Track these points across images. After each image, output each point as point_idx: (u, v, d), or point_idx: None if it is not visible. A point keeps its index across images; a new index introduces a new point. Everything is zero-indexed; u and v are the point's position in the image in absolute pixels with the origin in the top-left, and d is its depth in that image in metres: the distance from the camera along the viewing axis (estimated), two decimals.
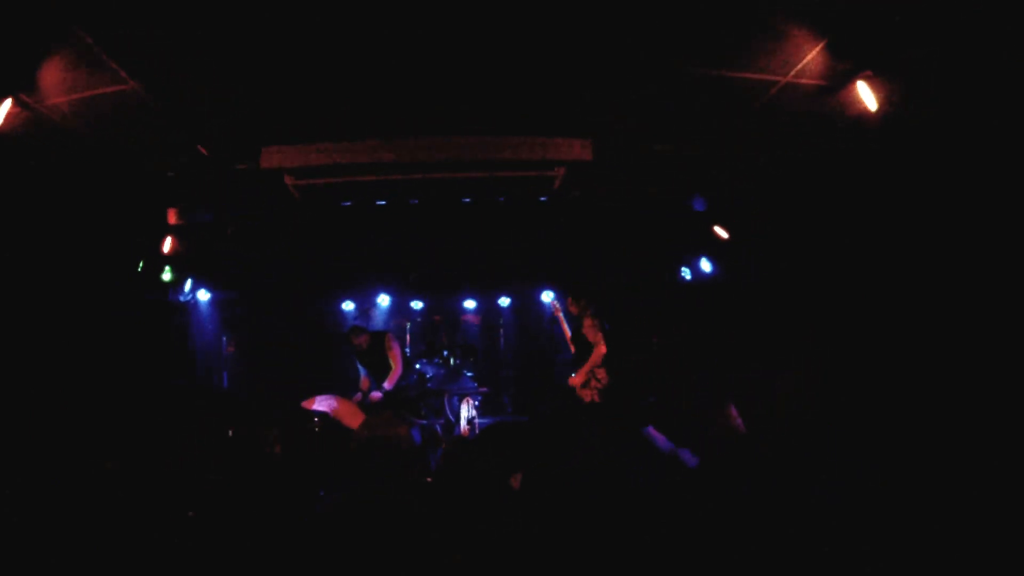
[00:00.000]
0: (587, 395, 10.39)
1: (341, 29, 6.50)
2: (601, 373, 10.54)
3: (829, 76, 7.33)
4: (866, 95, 7.29)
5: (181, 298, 14.22)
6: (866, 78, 7.19)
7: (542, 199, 10.67)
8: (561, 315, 12.05)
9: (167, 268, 12.86)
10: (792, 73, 7.28)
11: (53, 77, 6.91)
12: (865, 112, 7.49)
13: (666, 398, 10.27)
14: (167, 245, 11.89)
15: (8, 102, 6.99)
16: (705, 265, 13.65)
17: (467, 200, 10.80)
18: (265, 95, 7.83)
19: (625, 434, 8.65)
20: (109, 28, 6.19)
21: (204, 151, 8.96)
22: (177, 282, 13.71)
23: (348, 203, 10.62)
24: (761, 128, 8.60)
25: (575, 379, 10.69)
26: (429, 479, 8.35)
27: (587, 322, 10.73)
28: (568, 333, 11.51)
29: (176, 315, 13.91)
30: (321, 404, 10.49)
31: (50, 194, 9.22)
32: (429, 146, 8.69)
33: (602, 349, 10.46)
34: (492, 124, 8.70)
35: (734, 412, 7.63)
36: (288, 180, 9.14)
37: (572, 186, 10.09)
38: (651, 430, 8.63)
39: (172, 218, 11.58)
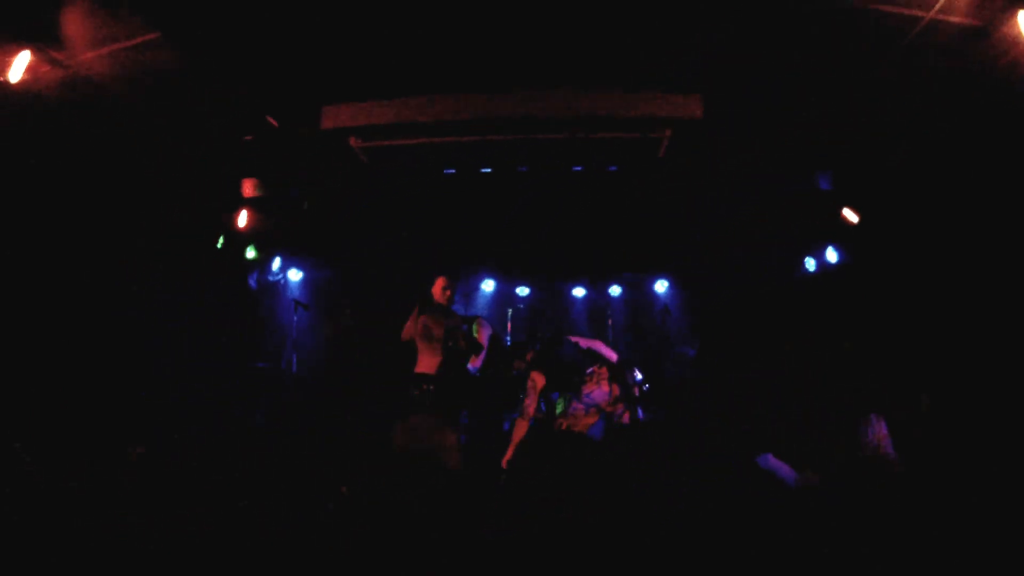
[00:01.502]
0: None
1: None
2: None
3: (981, 11, 6.06)
4: None
5: (270, 278, 13.42)
6: None
7: (651, 171, 9.34)
8: None
9: (251, 246, 11.99)
10: (938, 7, 6.02)
11: (73, 26, 6.20)
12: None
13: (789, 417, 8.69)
14: (243, 219, 10.94)
15: (26, 53, 6.34)
16: (831, 255, 12.10)
17: (578, 168, 9.62)
18: (323, 41, 6.85)
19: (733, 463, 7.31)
20: None
21: (272, 120, 8.07)
22: (264, 260, 12.86)
23: (451, 171, 9.61)
24: (898, 79, 7.23)
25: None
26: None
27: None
28: None
29: (262, 295, 13.11)
30: None
31: (106, 164, 8.50)
32: (506, 102, 7.55)
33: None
34: (586, 77, 7.56)
35: (883, 431, 6.27)
36: (353, 142, 8.07)
37: (681, 153, 8.76)
38: (770, 459, 7.15)
39: (248, 190, 10.68)
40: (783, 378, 10.22)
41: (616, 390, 9.03)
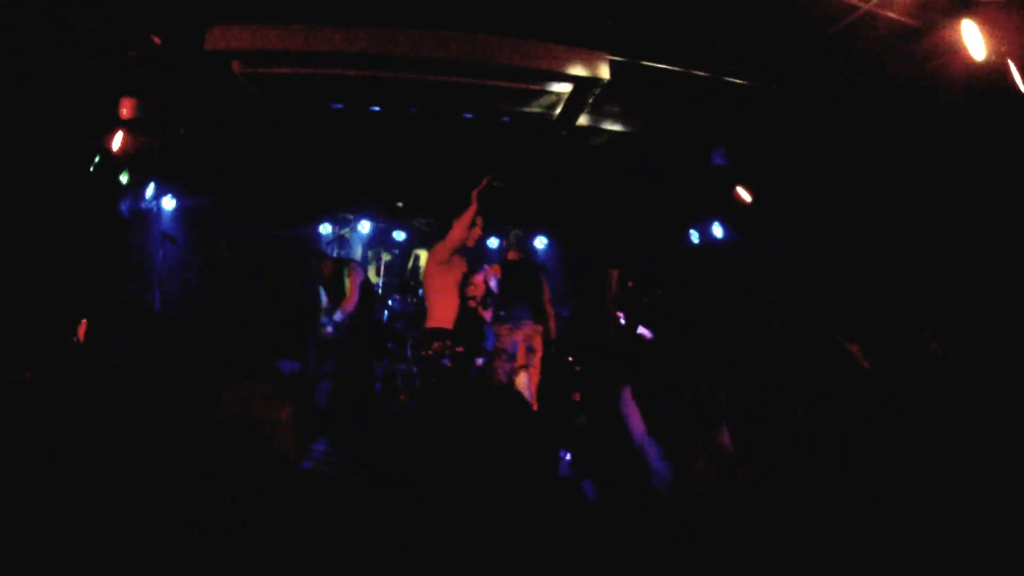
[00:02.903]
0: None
1: None
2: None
3: (921, 11, 5.89)
4: (972, 39, 5.74)
5: (143, 205, 12.85)
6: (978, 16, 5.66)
7: (548, 127, 9.12)
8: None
9: (124, 171, 11.43)
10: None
11: None
12: (953, 62, 6.08)
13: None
14: (117, 141, 10.39)
15: None
16: (717, 230, 12.21)
17: (468, 116, 9.19)
18: None
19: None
20: None
21: (155, 38, 7.62)
22: (137, 186, 12.29)
23: (339, 106, 9.07)
24: (822, 65, 7.05)
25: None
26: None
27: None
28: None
29: (133, 223, 12.53)
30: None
31: None
32: (400, 39, 7.02)
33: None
34: (486, 22, 7.11)
35: (726, 435, 6.02)
36: (236, 67, 7.60)
37: (579, 113, 8.51)
38: (628, 397, 6.72)
39: (125, 111, 10.14)
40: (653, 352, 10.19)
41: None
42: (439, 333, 8.05)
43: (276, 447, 3.84)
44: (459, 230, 8.04)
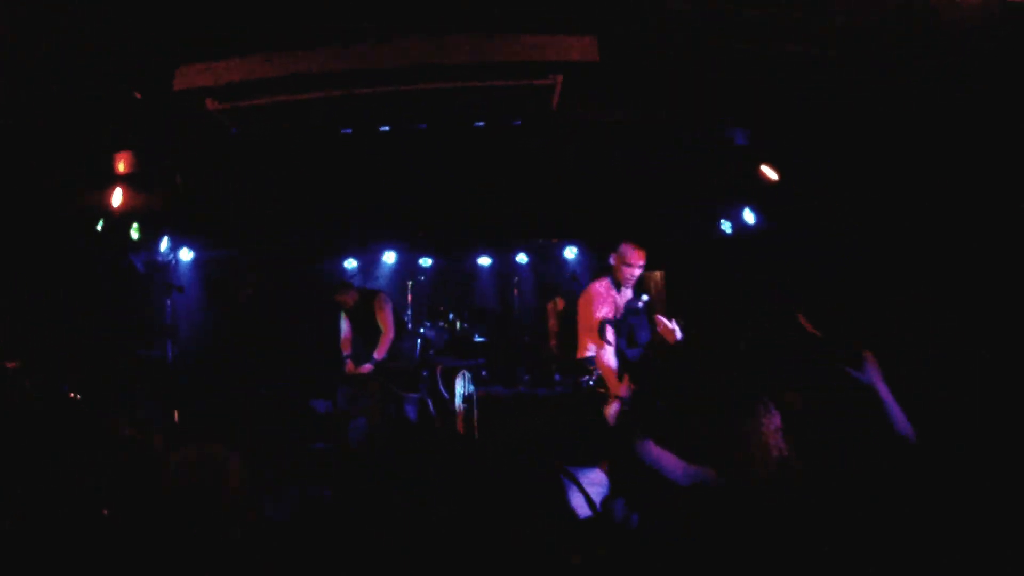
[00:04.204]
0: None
1: None
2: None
3: None
4: None
5: (159, 259, 12.66)
6: None
7: (549, 123, 8.54)
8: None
9: (134, 226, 11.21)
10: None
11: None
12: None
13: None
14: (117, 198, 10.14)
15: None
16: (748, 216, 11.60)
17: (480, 124, 8.72)
18: None
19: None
20: None
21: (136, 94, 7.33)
22: (150, 241, 12.08)
23: (348, 130, 8.67)
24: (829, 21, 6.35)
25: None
26: None
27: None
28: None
29: (149, 278, 12.32)
30: None
31: None
32: (371, 52, 6.55)
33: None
34: (461, 21, 6.65)
35: (776, 425, 5.30)
36: (210, 105, 7.19)
37: (576, 103, 7.94)
38: (650, 448, 6.00)
39: (122, 166, 9.92)
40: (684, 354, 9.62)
41: None
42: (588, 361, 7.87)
43: (225, 510, 3.62)
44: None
